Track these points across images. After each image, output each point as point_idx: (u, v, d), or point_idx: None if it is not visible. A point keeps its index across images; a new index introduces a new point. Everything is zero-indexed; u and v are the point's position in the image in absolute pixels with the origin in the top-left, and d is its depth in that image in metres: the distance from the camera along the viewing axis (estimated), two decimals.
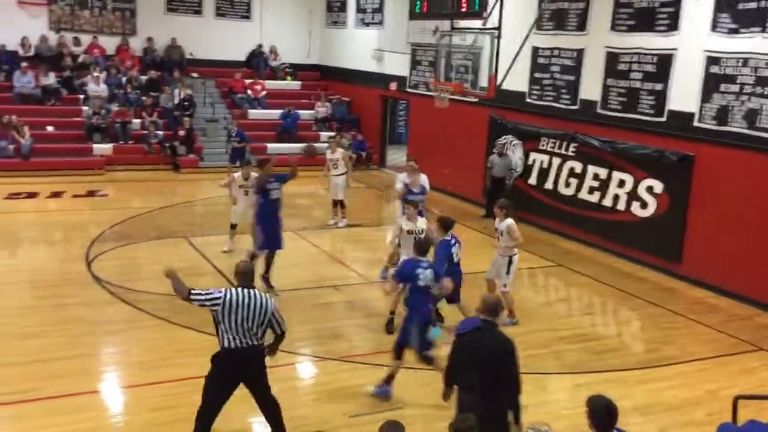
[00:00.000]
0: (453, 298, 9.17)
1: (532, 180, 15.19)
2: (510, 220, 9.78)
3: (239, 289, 6.08)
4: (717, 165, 11.62)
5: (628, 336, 10.41)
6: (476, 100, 15.49)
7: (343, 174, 14.29)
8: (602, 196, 13.62)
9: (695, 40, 11.83)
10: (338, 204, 14.48)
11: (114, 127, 19.08)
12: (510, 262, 9.82)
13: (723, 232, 11.54)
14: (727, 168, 11.47)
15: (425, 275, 7.67)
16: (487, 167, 15.53)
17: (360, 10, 21.59)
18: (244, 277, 6.20)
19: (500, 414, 5.52)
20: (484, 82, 14.59)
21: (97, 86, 19.67)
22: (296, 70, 23.54)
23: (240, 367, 6.13)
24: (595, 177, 13.78)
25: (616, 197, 13.34)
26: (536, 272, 12.64)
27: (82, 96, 19.84)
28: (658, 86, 12.54)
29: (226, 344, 6.03)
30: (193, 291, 6.07)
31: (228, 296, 5.99)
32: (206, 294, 6.05)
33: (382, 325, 9.45)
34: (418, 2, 15.33)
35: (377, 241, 13.84)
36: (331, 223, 14.42)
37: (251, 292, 6.08)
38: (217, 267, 11.52)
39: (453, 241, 9.11)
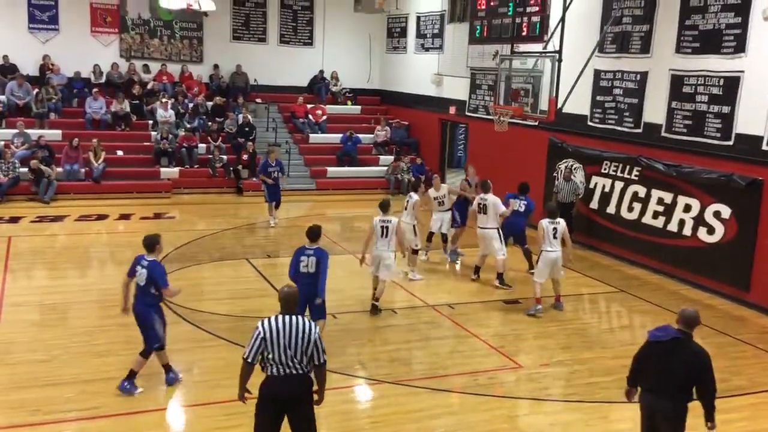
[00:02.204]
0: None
1: (594, 204, 14.98)
2: (563, 221, 11.06)
3: (280, 316, 5.91)
4: None
5: None
6: (536, 123, 15.39)
7: (448, 210, 13.61)
8: (667, 221, 13.33)
9: (763, 62, 11.55)
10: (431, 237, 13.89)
11: (180, 152, 19.63)
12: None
13: None
14: None
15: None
16: (554, 192, 15.32)
17: (420, 35, 21.77)
18: (287, 303, 5.99)
19: (683, 415, 6.03)
20: (544, 105, 14.49)
21: (165, 112, 20.30)
22: (356, 94, 23.86)
23: (283, 396, 5.90)
24: (660, 201, 13.50)
25: (682, 222, 13.04)
26: (598, 298, 12.42)
27: (150, 121, 20.50)
28: (725, 109, 12.26)
29: (269, 372, 5.88)
30: (244, 356, 5.90)
31: (267, 326, 5.84)
32: (252, 341, 5.85)
33: (437, 350, 9.44)
34: (479, 27, 15.34)
35: (437, 264, 13.79)
36: (423, 258, 13.60)
37: (293, 318, 5.90)
38: (277, 288, 11.64)
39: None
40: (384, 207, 10.89)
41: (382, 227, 10.73)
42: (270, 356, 5.82)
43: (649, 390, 6.17)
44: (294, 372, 5.86)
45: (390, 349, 9.60)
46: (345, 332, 10.02)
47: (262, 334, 5.81)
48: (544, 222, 10.99)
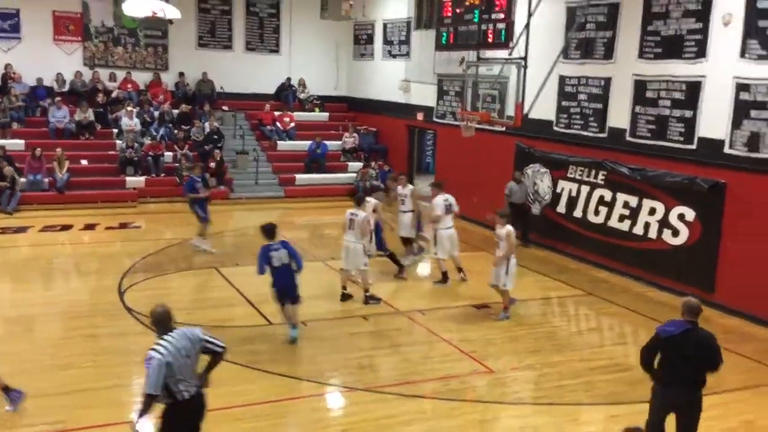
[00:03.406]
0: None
1: (561, 208, 15.13)
2: (509, 228, 10.78)
3: (167, 336, 5.62)
4: (749, 192, 11.48)
5: None
6: (503, 129, 15.52)
7: (410, 212, 13.72)
8: (633, 224, 13.51)
9: (724, 66, 11.77)
10: (407, 242, 13.97)
11: (146, 160, 19.42)
12: (508, 265, 10.80)
13: (757, 259, 11.35)
14: (760, 194, 11.32)
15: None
16: (506, 194, 15.56)
17: (387, 42, 21.83)
18: (164, 321, 5.71)
19: (701, 403, 6.51)
20: (510, 111, 14.62)
21: (130, 120, 20.08)
22: (324, 101, 23.82)
23: (200, 417, 5.78)
24: (625, 205, 13.68)
25: (647, 225, 13.22)
26: (567, 301, 12.53)
27: (115, 130, 20.25)
28: (688, 113, 12.47)
29: (180, 398, 5.59)
30: (149, 391, 5.45)
31: (165, 349, 5.51)
32: (153, 372, 5.42)
33: (408, 356, 9.44)
34: (445, 34, 15.44)
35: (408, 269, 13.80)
36: (407, 263, 13.56)
37: (177, 331, 5.69)
38: (247, 297, 11.59)
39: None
40: (358, 201, 11.82)
41: (350, 219, 11.35)
42: (176, 378, 5.54)
43: (669, 384, 6.47)
44: (198, 388, 5.74)
45: (360, 356, 9.58)
46: (315, 340, 9.98)
47: (165, 359, 5.47)
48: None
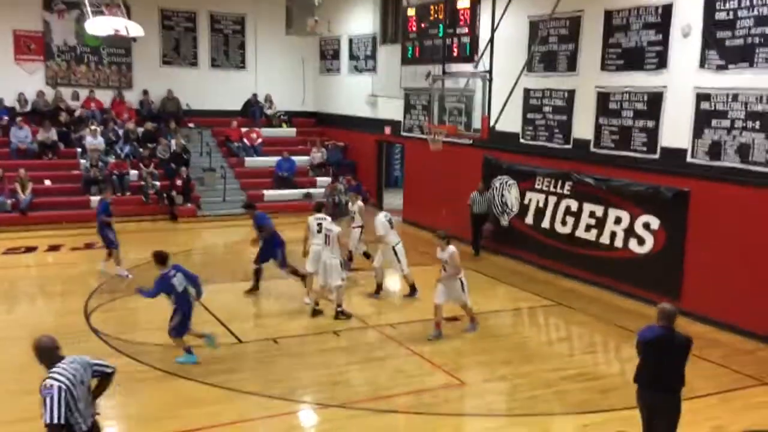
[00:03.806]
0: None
1: (529, 219, 15.25)
2: (452, 248, 10.67)
3: (60, 364, 5.33)
4: (712, 199, 11.68)
5: (632, 374, 10.26)
6: (470, 141, 15.62)
7: (359, 227, 13.93)
8: (599, 234, 13.66)
9: (684, 77, 12.00)
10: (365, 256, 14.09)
11: (111, 179, 19.18)
12: (462, 283, 10.73)
13: (721, 266, 11.54)
14: (722, 202, 11.53)
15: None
16: (468, 204, 15.73)
17: (353, 57, 21.89)
18: (50, 351, 5.41)
19: (680, 405, 6.75)
20: (477, 123, 14.74)
21: (94, 139, 19.85)
22: (291, 117, 23.79)
23: None
24: (592, 215, 13.83)
25: (614, 234, 13.37)
26: (536, 311, 12.61)
27: (79, 149, 19.99)
28: (650, 123, 12.68)
29: (79, 429, 5.32)
30: (52, 422, 5.14)
31: (63, 377, 5.24)
32: (55, 401, 5.14)
33: (380, 371, 9.41)
34: (410, 48, 15.56)
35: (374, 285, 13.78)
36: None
37: (68, 359, 5.40)
38: (216, 315, 11.47)
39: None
40: (318, 208, 12.31)
41: (326, 235, 11.59)
42: (74, 408, 5.28)
43: (647, 387, 6.76)
44: (93, 417, 5.53)
45: (332, 372, 9.52)
46: (286, 357, 9.91)
47: (65, 386, 5.20)
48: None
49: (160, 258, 9.47)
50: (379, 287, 12.90)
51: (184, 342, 9.58)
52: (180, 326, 9.46)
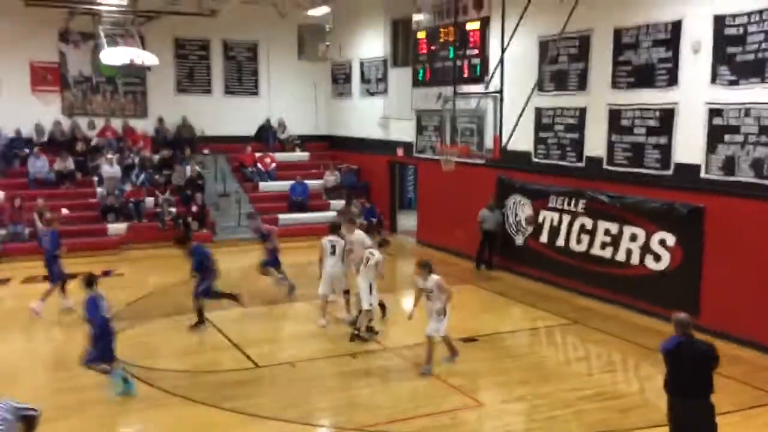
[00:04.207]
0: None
1: (543, 238, 15.22)
2: (436, 277, 10.11)
3: None
4: (728, 215, 11.62)
5: (651, 392, 10.20)
6: (483, 161, 15.66)
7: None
8: (615, 252, 13.60)
9: (696, 93, 12.00)
10: None
11: (128, 207, 19.35)
12: (444, 312, 10.20)
13: (740, 282, 11.45)
14: (738, 217, 11.46)
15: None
16: (479, 221, 15.77)
17: (364, 80, 22.05)
18: None
19: (713, 410, 6.83)
20: (489, 143, 14.78)
21: (110, 167, 20.06)
22: (304, 141, 23.94)
23: None
24: (607, 232, 13.79)
25: (629, 252, 13.32)
26: (554, 330, 12.54)
27: (96, 178, 20.21)
28: (663, 140, 12.66)
29: None
30: None
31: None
32: None
33: (397, 393, 9.38)
34: (421, 71, 15.67)
35: (392, 306, 13.78)
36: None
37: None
38: (232, 340, 11.50)
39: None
40: (332, 229, 12.52)
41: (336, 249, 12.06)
42: None
43: (675, 394, 6.89)
44: None
45: (350, 395, 9.51)
46: (303, 380, 9.91)
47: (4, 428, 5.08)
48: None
49: (88, 281, 9.61)
50: (382, 307, 12.55)
51: (110, 367, 9.37)
52: (106, 352, 9.36)
